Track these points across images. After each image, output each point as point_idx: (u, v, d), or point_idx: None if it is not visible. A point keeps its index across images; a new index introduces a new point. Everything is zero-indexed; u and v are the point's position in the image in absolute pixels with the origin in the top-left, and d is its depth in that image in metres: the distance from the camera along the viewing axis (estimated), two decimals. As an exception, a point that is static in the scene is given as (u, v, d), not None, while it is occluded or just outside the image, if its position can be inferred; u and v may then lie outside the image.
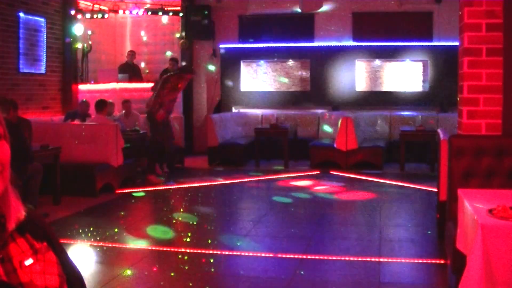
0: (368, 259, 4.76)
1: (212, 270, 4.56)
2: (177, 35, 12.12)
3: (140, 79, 11.64)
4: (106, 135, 7.80)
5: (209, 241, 5.40)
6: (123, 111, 9.87)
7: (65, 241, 5.21)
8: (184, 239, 5.49)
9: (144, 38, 12.74)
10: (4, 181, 1.05)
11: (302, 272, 4.47)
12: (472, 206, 2.92)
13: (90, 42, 11.42)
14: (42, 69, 10.09)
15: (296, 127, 11.02)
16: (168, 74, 9.41)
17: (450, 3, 10.57)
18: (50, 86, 10.37)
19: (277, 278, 4.41)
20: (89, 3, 11.58)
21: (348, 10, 11.64)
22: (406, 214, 6.72)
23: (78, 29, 10.86)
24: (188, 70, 9.98)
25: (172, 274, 4.44)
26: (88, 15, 11.27)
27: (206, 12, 11.81)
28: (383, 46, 11.28)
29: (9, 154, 1.06)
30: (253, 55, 11.99)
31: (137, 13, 11.85)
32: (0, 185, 1.04)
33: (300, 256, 4.86)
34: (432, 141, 8.95)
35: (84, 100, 9.78)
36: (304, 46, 11.72)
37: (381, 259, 4.75)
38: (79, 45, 11.06)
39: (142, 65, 12.57)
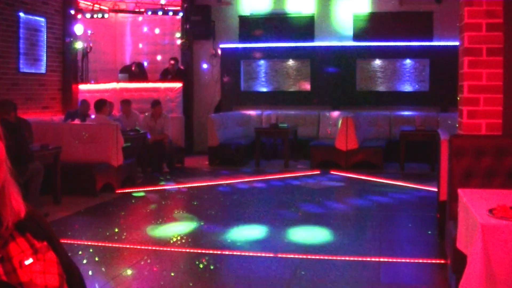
0: (368, 259, 4.76)
1: (212, 269, 4.56)
2: (177, 35, 12.13)
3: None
4: (106, 135, 7.79)
5: (209, 241, 5.39)
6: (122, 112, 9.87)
7: (65, 241, 5.20)
8: (184, 239, 5.49)
9: (144, 38, 12.75)
10: None
11: (302, 272, 4.47)
12: (472, 206, 2.92)
13: (90, 43, 11.43)
14: (42, 69, 10.09)
15: (296, 127, 11.01)
16: None
17: (450, 3, 10.57)
18: (50, 86, 10.37)
19: (277, 278, 4.41)
20: (89, 3, 11.58)
21: (348, 10, 11.64)
22: (406, 214, 6.72)
23: (78, 29, 10.86)
24: None
25: (172, 274, 4.44)
26: (88, 15, 11.27)
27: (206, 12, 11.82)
28: (383, 46, 11.27)
29: (4, 154, 1.05)
30: (253, 55, 11.99)
31: (137, 13, 11.86)
32: None
33: (300, 256, 4.86)
34: (432, 141, 8.95)
35: (84, 100, 9.79)
36: (304, 46, 11.72)
37: (381, 259, 4.75)
38: (79, 45, 11.06)
39: (145, 64, 12.59)
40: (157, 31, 12.57)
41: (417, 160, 10.07)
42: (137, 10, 11.75)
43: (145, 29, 12.65)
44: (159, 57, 12.61)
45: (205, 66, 12.35)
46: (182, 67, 11.93)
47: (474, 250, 2.64)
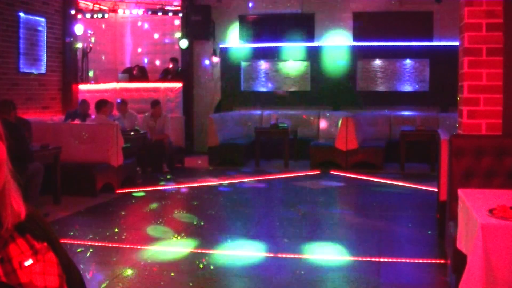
0: (368, 259, 4.76)
1: (212, 269, 4.56)
2: (177, 35, 12.12)
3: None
4: (106, 135, 7.80)
5: (209, 241, 5.39)
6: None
7: (65, 241, 5.20)
8: (184, 239, 5.49)
9: (144, 38, 12.74)
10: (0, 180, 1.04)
11: (302, 272, 4.47)
12: (472, 206, 2.92)
13: (90, 43, 11.43)
14: (42, 69, 10.09)
15: (296, 127, 11.01)
16: None
17: (450, 3, 10.56)
18: (50, 86, 10.37)
19: (277, 278, 4.41)
20: (89, 3, 11.58)
21: (348, 10, 11.64)
22: (406, 214, 6.72)
23: (78, 29, 10.86)
24: None
25: (172, 274, 4.44)
26: (88, 15, 11.27)
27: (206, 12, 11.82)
28: (383, 46, 11.27)
29: (5, 154, 1.05)
30: (253, 55, 11.99)
31: (137, 13, 11.86)
32: None
33: (300, 256, 4.86)
34: (432, 141, 8.95)
35: (84, 100, 9.79)
36: (304, 46, 11.71)
37: (381, 259, 4.75)
38: (79, 45, 11.06)
39: (145, 61, 12.59)
40: (157, 31, 12.56)
41: (417, 160, 10.06)
42: (137, 10, 11.74)
43: (145, 28, 12.64)
44: (158, 60, 12.59)
45: (207, 62, 12.33)
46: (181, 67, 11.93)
47: (474, 250, 2.64)
